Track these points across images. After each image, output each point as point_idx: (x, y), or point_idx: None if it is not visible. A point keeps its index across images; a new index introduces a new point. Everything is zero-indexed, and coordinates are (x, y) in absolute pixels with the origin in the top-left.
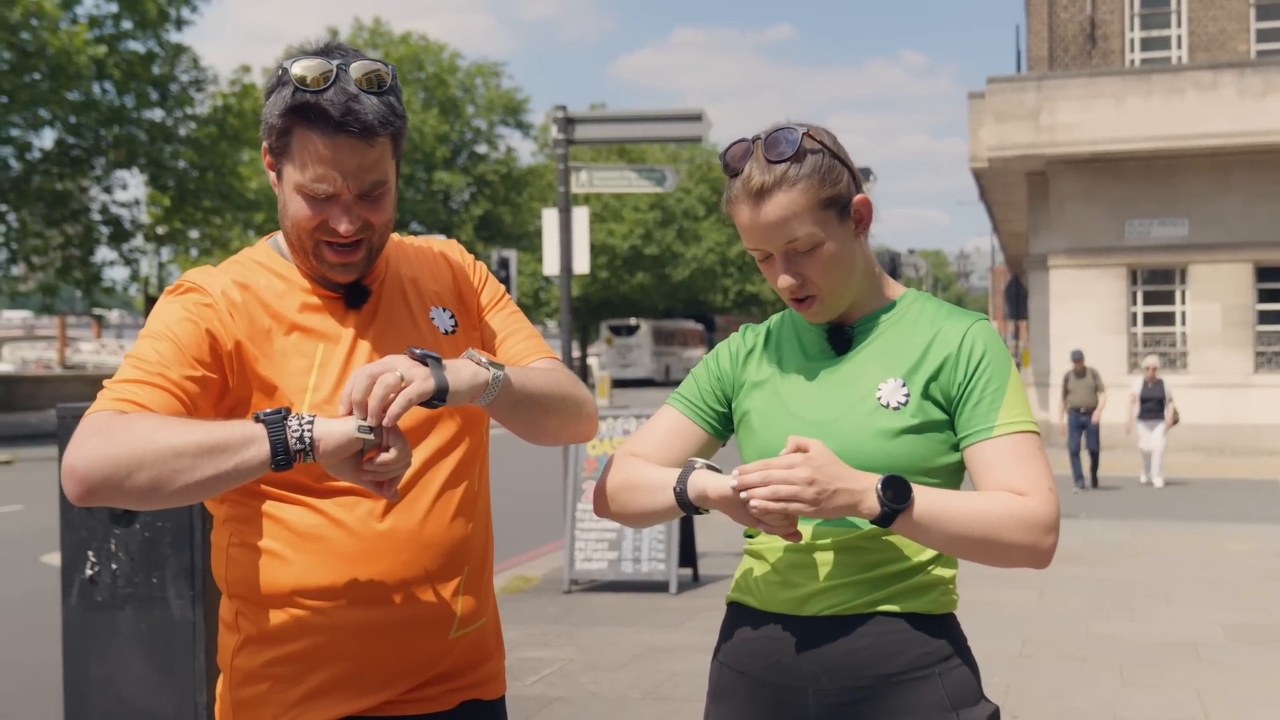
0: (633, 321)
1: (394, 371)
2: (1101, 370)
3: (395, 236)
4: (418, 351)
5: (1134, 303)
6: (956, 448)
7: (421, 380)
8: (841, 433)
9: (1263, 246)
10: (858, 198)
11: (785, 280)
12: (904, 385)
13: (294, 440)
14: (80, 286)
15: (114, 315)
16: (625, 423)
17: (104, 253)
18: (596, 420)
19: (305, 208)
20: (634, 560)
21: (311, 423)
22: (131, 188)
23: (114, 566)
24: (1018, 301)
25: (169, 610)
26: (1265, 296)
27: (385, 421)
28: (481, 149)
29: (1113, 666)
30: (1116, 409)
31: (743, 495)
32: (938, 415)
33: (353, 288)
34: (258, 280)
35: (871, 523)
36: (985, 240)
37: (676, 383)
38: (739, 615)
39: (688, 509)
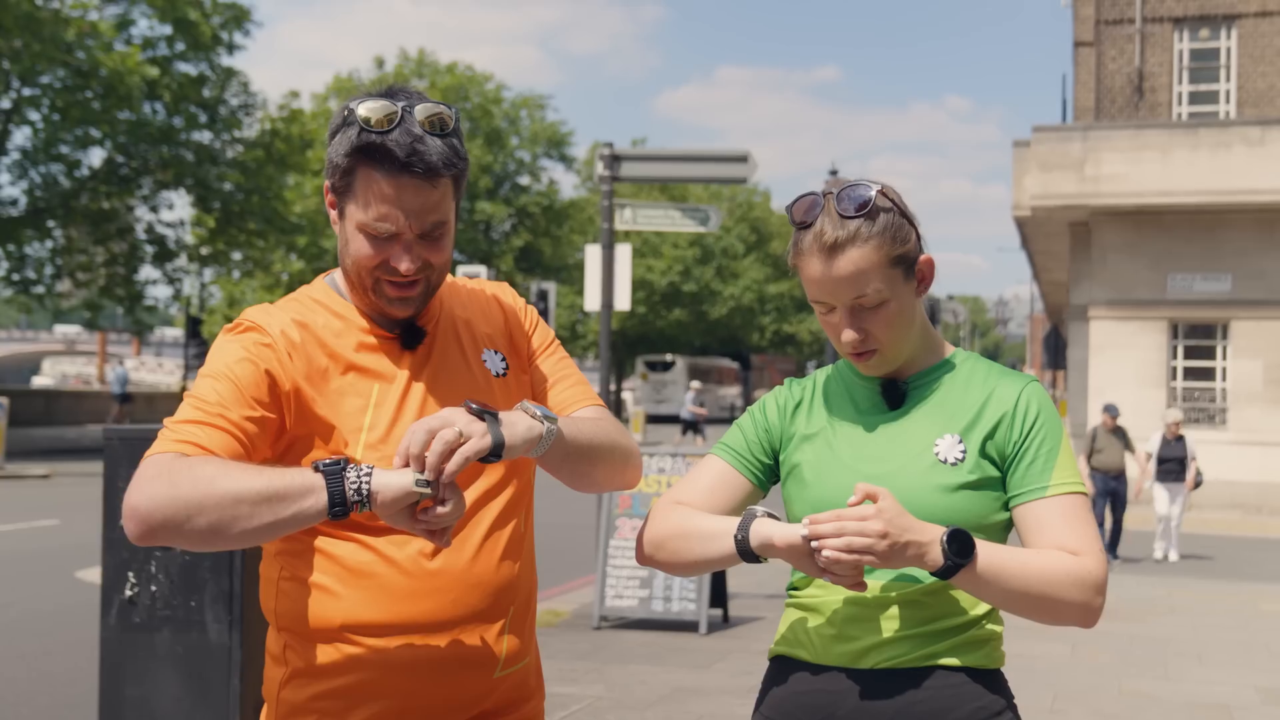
0: (668, 358)
1: (453, 427)
2: (1140, 424)
3: (449, 278)
4: (475, 406)
5: (1174, 357)
6: (1006, 505)
7: (479, 438)
8: (899, 487)
9: None
10: (923, 257)
11: (848, 334)
12: (960, 442)
13: (351, 492)
14: (123, 304)
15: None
16: (660, 460)
17: (147, 271)
18: (641, 469)
19: (367, 246)
20: (665, 599)
21: (370, 474)
22: (177, 208)
23: (153, 588)
24: (1056, 351)
25: (206, 634)
26: None
27: (443, 478)
28: (524, 180)
29: None
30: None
31: (814, 544)
32: (992, 472)
33: (408, 328)
34: (315, 319)
35: (932, 575)
36: (1024, 288)
37: (711, 421)
38: (787, 668)
39: (748, 558)
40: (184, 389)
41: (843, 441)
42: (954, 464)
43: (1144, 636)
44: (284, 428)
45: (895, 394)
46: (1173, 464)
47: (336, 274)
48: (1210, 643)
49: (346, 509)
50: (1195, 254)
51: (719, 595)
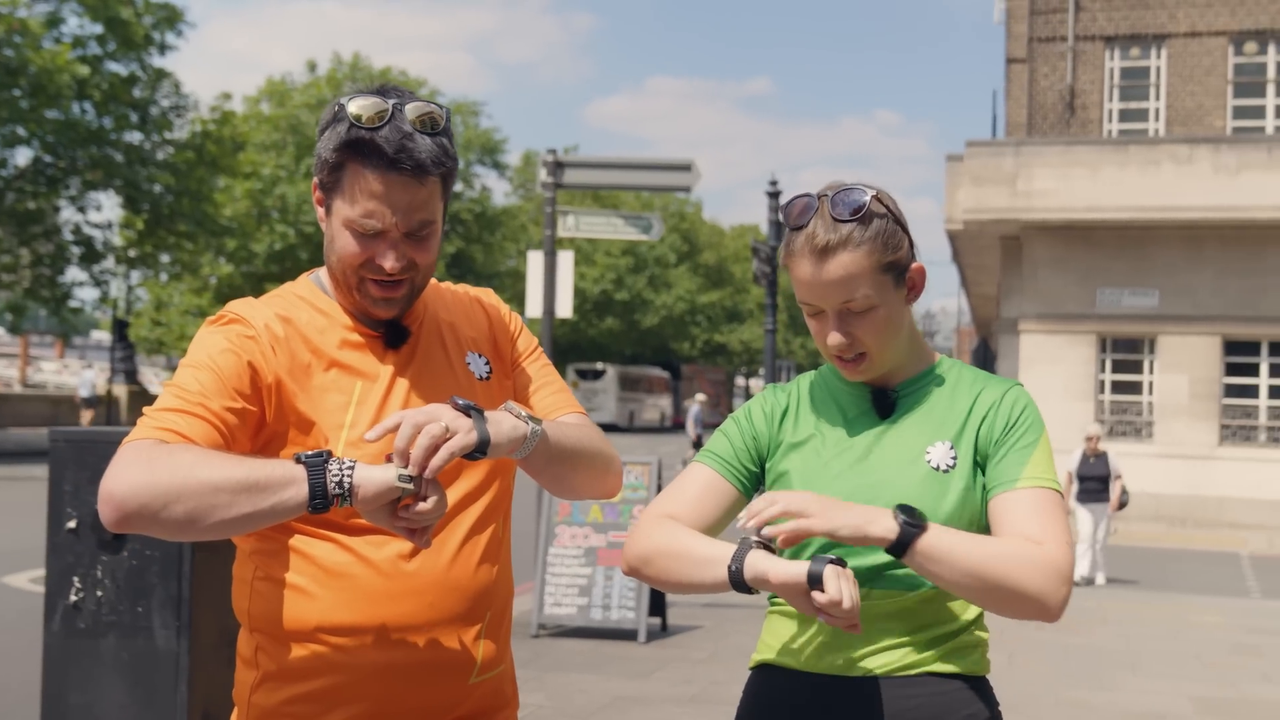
0: (599, 366)
1: (439, 422)
2: (1068, 437)
3: (434, 281)
4: (460, 402)
5: (1102, 370)
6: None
7: (465, 433)
8: (894, 495)
9: (1232, 320)
10: (914, 265)
11: (835, 339)
12: (952, 448)
13: (333, 485)
14: (48, 306)
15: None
16: None
17: (74, 273)
18: (621, 478)
19: (353, 243)
20: (603, 607)
21: (352, 468)
22: (105, 209)
23: (99, 594)
24: (985, 364)
25: (153, 640)
26: (1232, 370)
27: (427, 473)
28: (456, 187)
29: None
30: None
31: (751, 524)
32: (981, 474)
33: (393, 327)
34: (299, 315)
35: (887, 551)
36: (952, 300)
37: (641, 429)
38: (774, 677)
39: (740, 588)
40: (109, 393)
41: (832, 450)
42: (946, 470)
43: (1079, 647)
44: (264, 421)
45: (885, 402)
46: (1094, 483)
47: (321, 272)
48: (1143, 653)
49: (327, 502)
50: (1124, 269)
51: (657, 604)
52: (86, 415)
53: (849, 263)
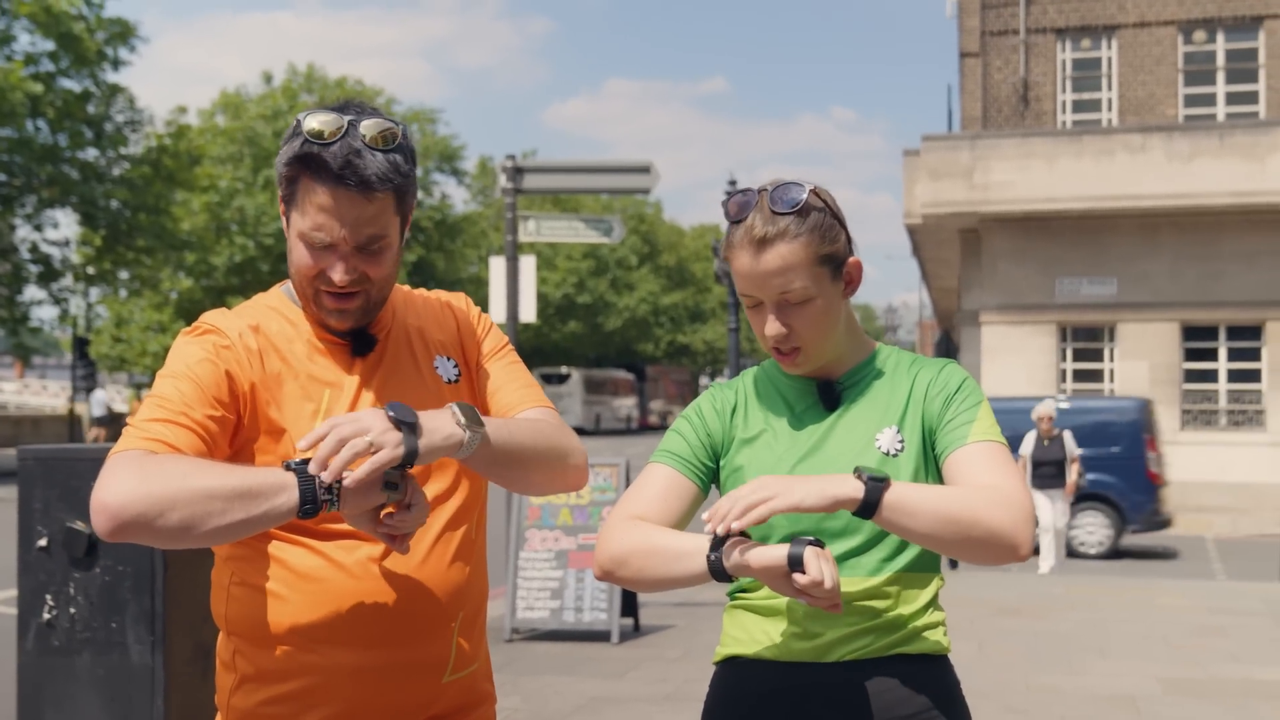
0: (564, 370)
1: (364, 436)
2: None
3: (405, 288)
4: (392, 414)
5: (1064, 359)
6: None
7: (392, 447)
8: None
9: (1190, 306)
10: (851, 260)
11: (773, 328)
12: (899, 432)
13: (322, 490)
14: (6, 326)
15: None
16: None
17: (32, 291)
18: (585, 472)
19: (306, 255)
20: (576, 609)
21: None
22: (62, 226)
23: (72, 610)
24: (947, 356)
25: (128, 655)
26: (1192, 355)
27: (350, 485)
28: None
29: (1055, 719)
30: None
31: (716, 527)
32: (931, 449)
33: (359, 336)
34: (270, 325)
35: (855, 513)
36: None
37: (607, 432)
38: (743, 668)
39: (720, 577)
40: (71, 411)
41: (784, 443)
42: (896, 454)
43: (1047, 633)
44: (240, 428)
45: (831, 394)
46: (1049, 467)
47: (291, 284)
48: (1112, 637)
49: (316, 507)
50: (1082, 259)
51: (629, 605)
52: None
53: (786, 254)
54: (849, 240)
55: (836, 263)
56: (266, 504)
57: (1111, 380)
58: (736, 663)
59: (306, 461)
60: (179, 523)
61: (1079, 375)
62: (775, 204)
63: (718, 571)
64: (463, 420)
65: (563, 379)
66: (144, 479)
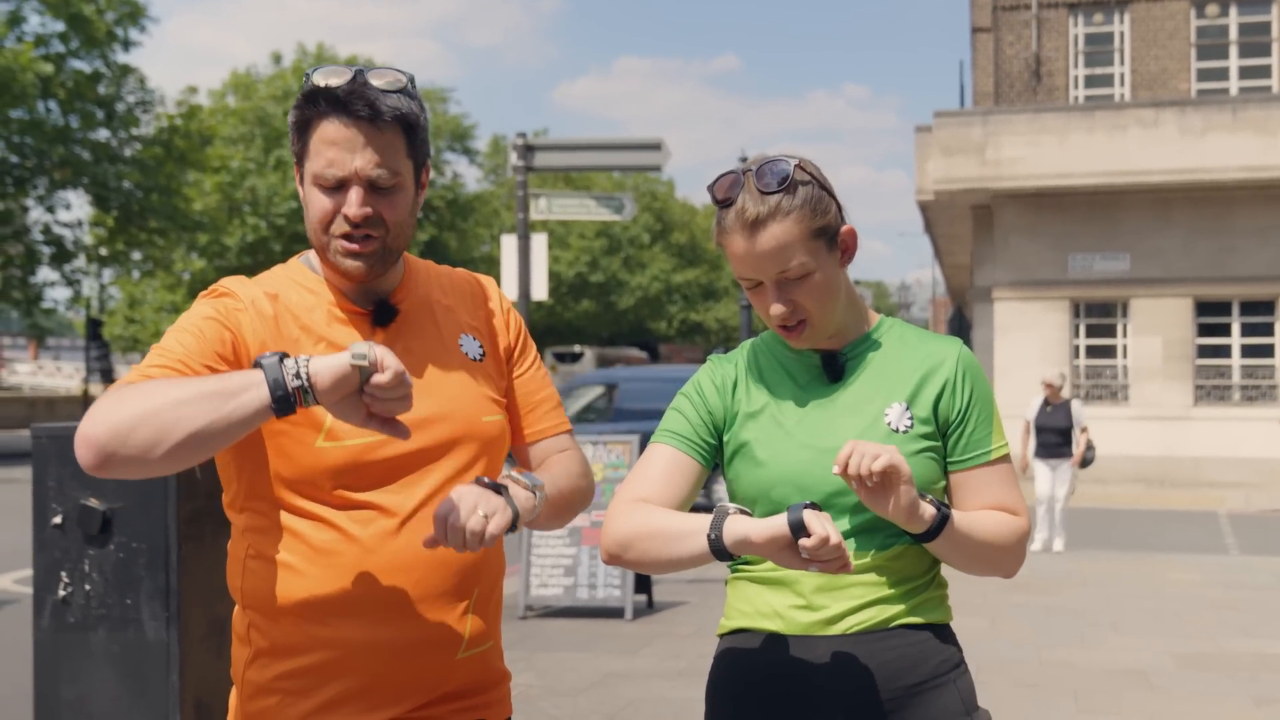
0: (577, 348)
1: (477, 515)
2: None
3: (429, 264)
4: (486, 480)
5: (1076, 335)
6: (945, 469)
7: (502, 512)
8: None
9: (1203, 281)
10: (844, 228)
11: (777, 308)
12: (908, 409)
13: (290, 377)
14: (20, 307)
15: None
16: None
17: (45, 273)
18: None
19: (320, 198)
20: (589, 586)
21: (308, 361)
22: (75, 208)
23: (87, 587)
24: (961, 333)
25: (143, 631)
26: (1205, 331)
27: (485, 543)
28: None
29: (1067, 694)
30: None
31: (850, 472)
32: (937, 438)
33: (381, 305)
34: (288, 294)
35: (916, 535)
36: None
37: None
38: (748, 641)
39: (721, 556)
40: (85, 393)
41: (791, 417)
42: (904, 432)
43: (1059, 608)
44: None
45: (835, 366)
46: (1052, 435)
47: (311, 253)
48: (1124, 612)
49: (289, 397)
50: (1094, 234)
51: (643, 581)
52: None
53: (780, 233)
54: (840, 209)
55: (831, 234)
56: (235, 401)
57: (1125, 356)
58: (741, 635)
59: (275, 354)
60: (152, 434)
61: (1092, 351)
62: (763, 182)
63: (719, 550)
64: (528, 484)
65: (576, 358)
66: (118, 403)
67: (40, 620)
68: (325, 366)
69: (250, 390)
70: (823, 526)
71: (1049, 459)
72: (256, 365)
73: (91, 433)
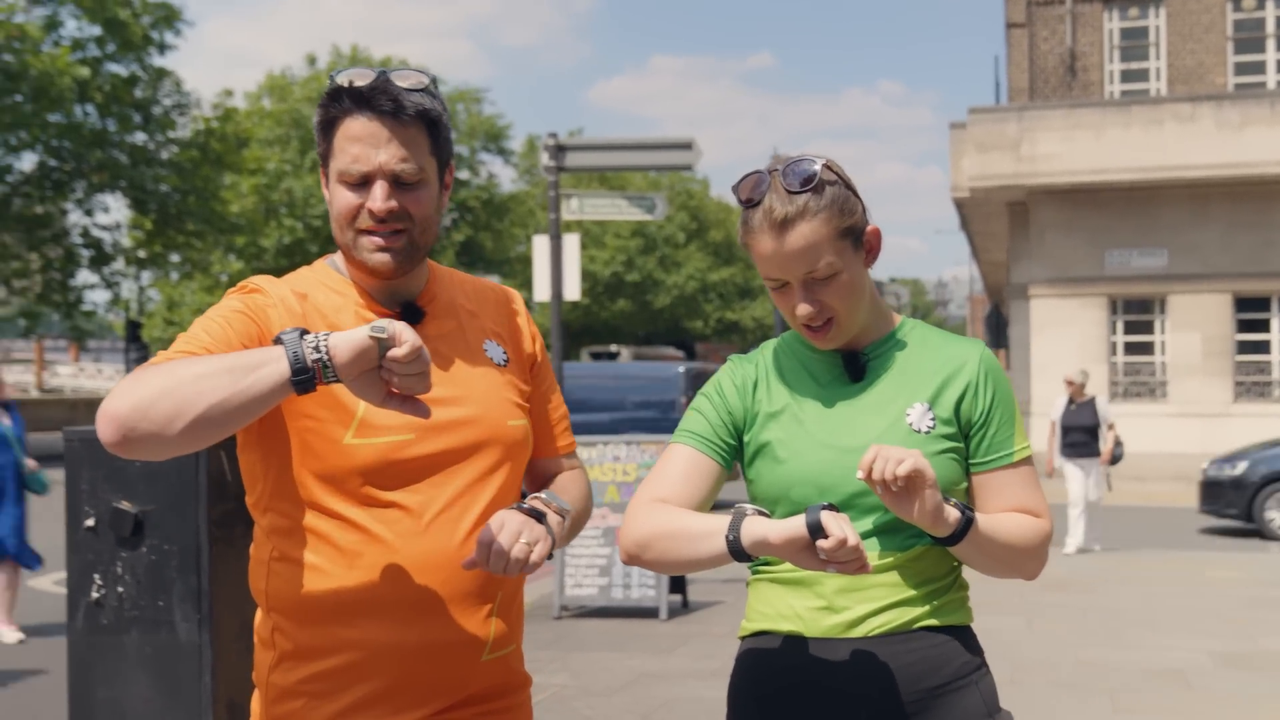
0: (613, 348)
1: (521, 542)
2: None
3: (454, 271)
4: (525, 505)
5: (1114, 332)
6: (967, 470)
7: (544, 540)
8: None
9: (1241, 277)
10: (870, 228)
11: (803, 308)
12: (930, 410)
13: (310, 351)
14: (60, 310)
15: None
16: (615, 449)
17: (84, 276)
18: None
19: (345, 194)
20: (624, 586)
21: (327, 336)
22: (113, 211)
23: (120, 590)
24: (998, 330)
25: (175, 633)
26: (1244, 326)
27: (525, 570)
28: (463, 175)
29: (1103, 693)
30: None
31: (874, 477)
32: (959, 440)
33: (407, 307)
34: (316, 294)
35: (939, 539)
36: (963, 269)
37: None
38: (769, 642)
39: (739, 557)
40: None
41: (812, 417)
42: (926, 432)
43: (1097, 607)
44: None
45: (857, 366)
46: (1079, 434)
47: (337, 255)
48: (1162, 610)
49: (309, 372)
50: (1131, 230)
51: (678, 581)
52: None
53: (808, 232)
54: (865, 209)
55: (857, 233)
56: (254, 374)
57: (1163, 353)
58: (762, 637)
59: (296, 330)
60: (171, 408)
61: (1130, 348)
62: (790, 182)
63: (737, 551)
64: (556, 506)
65: (612, 357)
66: (139, 381)
67: (74, 622)
68: (344, 339)
69: (270, 364)
70: (840, 528)
71: (1078, 458)
72: (277, 341)
73: (112, 408)
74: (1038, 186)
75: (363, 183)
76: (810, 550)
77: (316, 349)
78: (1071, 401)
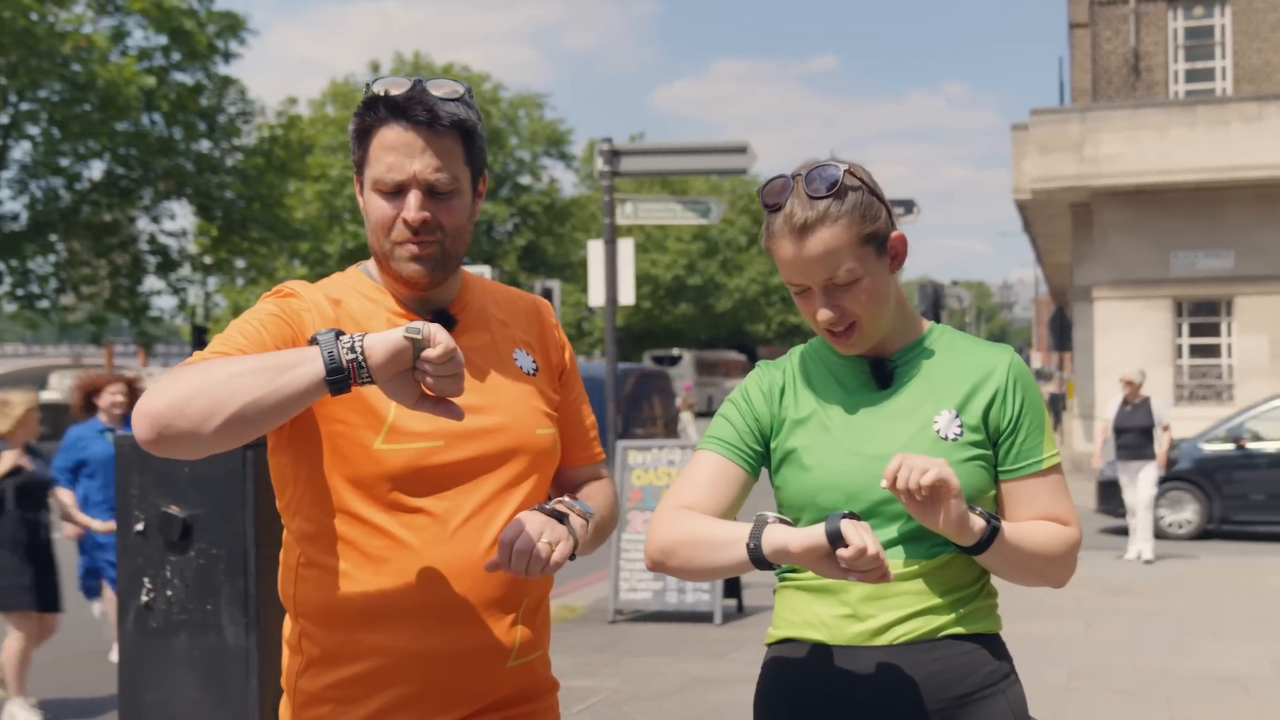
0: (675, 352)
1: (542, 540)
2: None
3: (486, 280)
4: (548, 506)
5: (1180, 335)
6: (995, 477)
7: (566, 540)
8: None
9: None
10: (894, 234)
11: (825, 314)
12: (957, 417)
13: (345, 351)
14: (128, 316)
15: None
16: (670, 453)
17: (151, 282)
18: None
19: (380, 204)
20: (679, 590)
21: (363, 337)
22: (179, 218)
23: (169, 593)
24: (1062, 333)
25: (223, 636)
26: None
27: (546, 571)
28: (525, 180)
29: (1160, 700)
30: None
31: (898, 486)
32: (987, 447)
33: (439, 315)
34: (349, 300)
35: (963, 547)
36: (1029, 271)
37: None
38: (795, 651)
39: (760, 565)
40: None
41: (838, 424)
42: (954, 440)
43: (1157, 612)
44: None
45: (884, 373)
46: (1133, 435)
47: (370, 263)
48: (1223, 617)
49: (344, 373)
50: (1197, 231)
51: (732, 585)
52: None
53: (829, 238)
54: (890, 215)
55: (880, 240)
56: (290, 374)
57: (1229, 355)
58: (789, 645)
59: (331, 331)
60: (207, 407)
61: (1195, 350)
62: (812, 187)
63: (758, 558)
64: (579, 510)
65: (674, 361)
66: (175, 380)
67: (124, 625)
68: (379, 340)
69: (305, 364)
70: (860, 537)
71: (1131, 460)
72: (312, 341)
73: (147, 406)
74: (1101, 188)
75: (397, 192)
76: (831, 559)
77: (352, 349)
78: (1126, 402)
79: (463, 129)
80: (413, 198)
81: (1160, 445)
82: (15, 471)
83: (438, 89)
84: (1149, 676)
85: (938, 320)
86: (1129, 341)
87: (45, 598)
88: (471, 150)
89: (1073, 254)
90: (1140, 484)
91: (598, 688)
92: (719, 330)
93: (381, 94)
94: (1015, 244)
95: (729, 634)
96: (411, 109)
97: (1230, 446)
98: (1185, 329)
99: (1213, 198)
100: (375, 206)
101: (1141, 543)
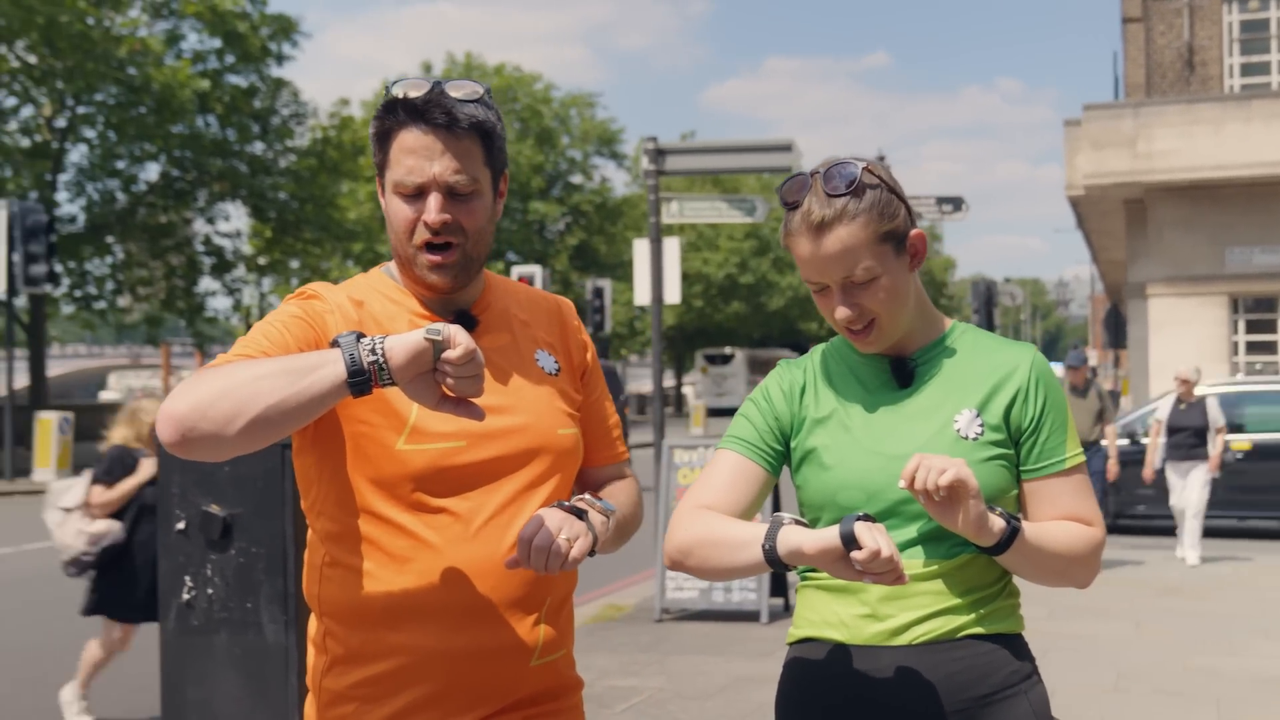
0: (727, 350)
1: (560, 535)
2: None
3: (509, 281)
4: (566, 504)
5: (1236, 331)
6: (1018, 477)
7: (585, 536)
8: None
9: None
10: (913, 232)
11: (842, 312)
12: (978, 416)
13: (366, 354)
14: (184, 316)
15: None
16: (709, 453)
17: (207, 283)
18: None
19: (401, 207)
20: (725, 589)
21: (384, 339)
22: (234, 219)
23: (210, 591)
24: (1117, 330)
25: (263, 634)
26: None
27: (565, 566)
28: (576, 179)
29: (1210, 701)
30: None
31: (916, 487)
32: (1009, 446)
33: (461, 315)
34: (373, 303)
35: (984, 548)
36: (1084, 268)
37: None
38: (816, 650)
39: (776, 566)
40: None
41: (858, 423)
42: (974, 439)
43: (1208, 613)
44: None
45: (904, 371)
46: (1186, 435)
47: (393, 264)
48: (1275, 617)
49: (365, 375)
50: (1253, 227)
51: (779, 584)
52: None
53: (846, 236)
54: (909, 213)
55: (898, 238)
56: (311, 376)
57: None
58: (809, 645)
59: (352, 333)
60: (230, 409)
61: (1252, 348)
62: (830, 185)
63: (773, 559)
64: (600, 507)
65: (727, 359)
66: (198, 382)
67: (166, 623)
68: (399, 342)
69: (327, 366)
70: (874, 539)
71: (1182, 461)
72: (334, 344)
73: (171, 408)
74: (1155, 184)
75: (417, 194)
76: (845, 561)
77: (373, 351)
78: (1180, 401)
79: (482, 130)
80: (433, 200)
81: (1214, 447)
82: (154, 481)
83: (456, 90)
84: (1199, 677)
85: (991, 318)
86: (1184, 338)
87: (148, 612)
88: (491, 151)
89: (1127, 250)
90: (1190, 486)
91: (641, 686)
92: (771, 329)
93: (400, 96)
94: (1070, 241)
95: (775, 633)
96: (430, 111)
97: None
98: (1241, 326)
99: (1269, 193)
100: (396, 209)
101: (1188, 549)
